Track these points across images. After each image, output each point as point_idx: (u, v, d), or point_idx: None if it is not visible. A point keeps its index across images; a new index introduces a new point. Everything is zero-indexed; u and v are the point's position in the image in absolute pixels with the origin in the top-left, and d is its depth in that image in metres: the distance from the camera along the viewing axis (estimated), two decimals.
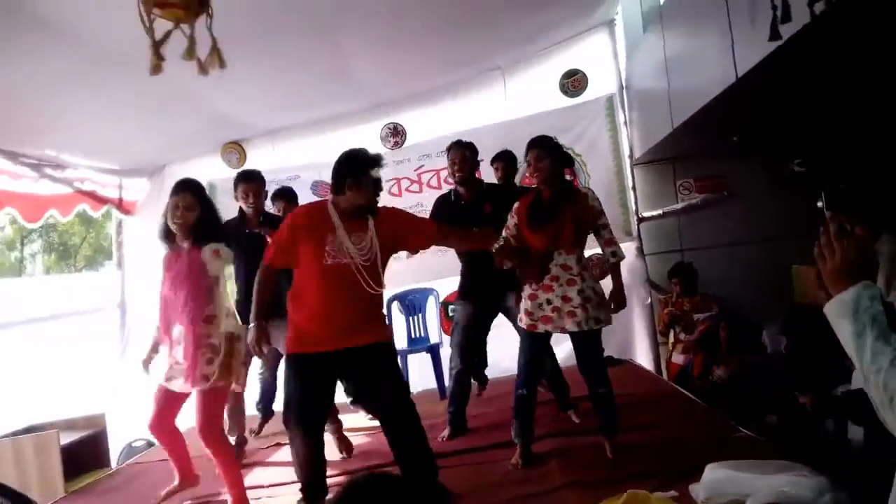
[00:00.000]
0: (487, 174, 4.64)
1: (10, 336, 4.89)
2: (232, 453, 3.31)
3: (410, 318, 5.34)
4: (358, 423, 4.51)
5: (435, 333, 5.38)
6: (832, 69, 3.21)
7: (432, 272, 5.02)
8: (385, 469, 3.22)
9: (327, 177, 5.48)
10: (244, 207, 4.13)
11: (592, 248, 5.37)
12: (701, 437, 3.26)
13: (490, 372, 4.67)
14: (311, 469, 3.03)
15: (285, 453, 4.15)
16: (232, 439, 4.04)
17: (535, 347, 3.37)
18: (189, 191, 3.15)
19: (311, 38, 4.14)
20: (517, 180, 4.77)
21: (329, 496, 3.17)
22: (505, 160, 4.40)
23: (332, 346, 2.88)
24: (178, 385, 3.16)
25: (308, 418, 2.95)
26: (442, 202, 4.19)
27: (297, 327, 2.96)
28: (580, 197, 3.36)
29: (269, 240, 3.52)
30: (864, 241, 1.34)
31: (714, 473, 2.49)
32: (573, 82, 5.71)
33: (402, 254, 5.42)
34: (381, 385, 3.01)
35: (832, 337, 1.32)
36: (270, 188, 5.83)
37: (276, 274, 3.02)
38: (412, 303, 5.36)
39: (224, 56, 2.51)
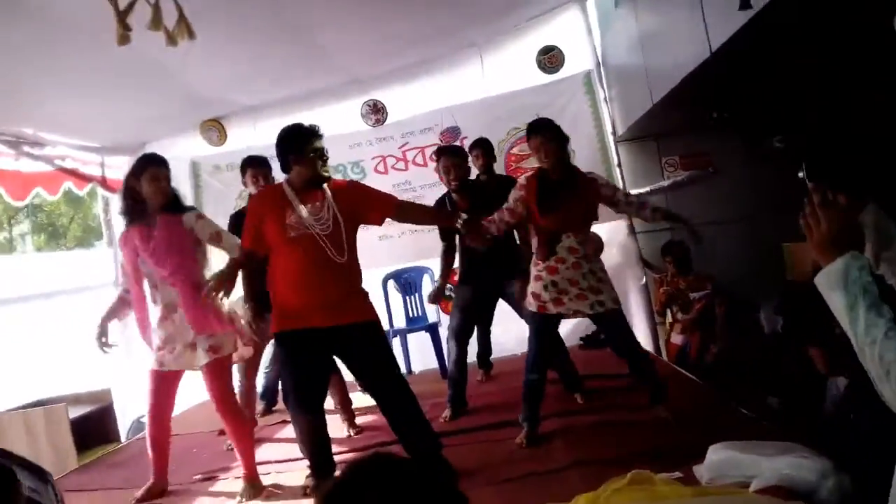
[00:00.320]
0: None
1: (5, 313, 4.82)
2: (247, 425, 3.27)
3: (407, 298, 5.24)
4: (366, 401, 4.49)
5: (432, 312, 5.28)
6: (807, 41, 3.17)
7: (427, 251, 4.96)
8: (391, 446, 3.20)
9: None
10: (253, 192, 4.00)
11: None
12: (702, 417, 3.22)
13: (493, 351, 4.65)
14: (315, 447, 3.02)
15: (291, 430, 4.18)
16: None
17: (544, 330, 3.31)
18: (163, 164, 3.16)
19: (286, 12, 3.97)
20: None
21: (337, 473, 3.18)
22: (483, 147, 4.24)
23: (319, 322, 2.83)
24: (177, 362, 3.10)
25: (305, 398, 2.95)
26: (437, 207, 4.08)
27: (278, 304, 2.93)
28: (588, 180, 3.29)
29: None
30: (848, 210, 1.31)
31: (718, 454, 2.45)
32: (550, 58, 5.57)
33: (397, 232, 5.46)
34: (373, 366, 2.98)
35: (828, 315, 1.28)
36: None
37: (253, 256, 2.99)
38: (408, 281, 5.25)
39: (196, 30, 2.46)
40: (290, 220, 2.85)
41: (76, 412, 4.41)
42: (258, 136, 5.84)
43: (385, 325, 5.03)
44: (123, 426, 5.16)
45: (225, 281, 2.85)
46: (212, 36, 2.77)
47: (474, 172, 4.20)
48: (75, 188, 5.40)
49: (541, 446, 3.20)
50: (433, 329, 4.96)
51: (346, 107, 5.75)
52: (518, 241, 3.83)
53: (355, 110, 5.77)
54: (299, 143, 2.91)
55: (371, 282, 4.91)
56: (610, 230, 5.30)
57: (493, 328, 4.47)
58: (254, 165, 3.99)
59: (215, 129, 5.90)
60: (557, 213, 3.18)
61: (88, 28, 3.22)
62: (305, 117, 5.36)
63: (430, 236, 5.02)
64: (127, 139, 5.67)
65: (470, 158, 4.10)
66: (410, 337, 5.07)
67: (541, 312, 3.25)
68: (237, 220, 3.92)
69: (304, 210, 2.86)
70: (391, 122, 5.78)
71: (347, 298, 2.90)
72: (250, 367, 3.98)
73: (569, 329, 4.97)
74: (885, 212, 1.39)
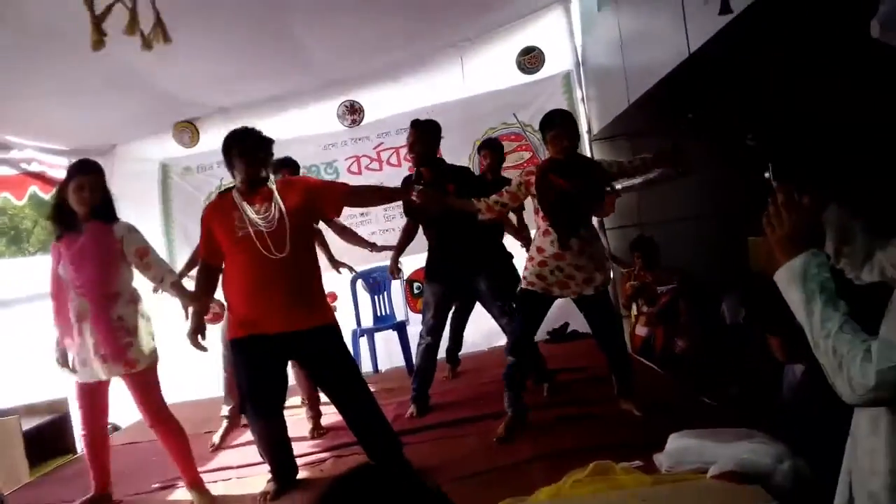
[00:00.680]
0: (449, 153, 4.60)
1: None
2: (182, 434, 3.17)
3: (375, 297, 5.28)
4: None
5: (400, 311, 5.32)
6: (783, 43, 3.24)
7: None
8: (353, 446, 3.24)
9: (281, 155, 5.39)
10: None
11: None
12: (663, 407, 3.29)
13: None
14: (274, 452, 3.05)
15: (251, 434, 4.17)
16: (227, 409, 4.04)
17: (540, 312, 3.42)
18: (94, 171, 3.09)
19: (260, 12, 3.98)
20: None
21: (299, 475, 3.17)
22: (491, 148, 4.30)
23: (270, 328, 2.86)
24: (91, 374, 3.05)
25: (262, 404, 2.98)
26: (405, 183, 4.14)
27: (232, 311, 2.99)
28: (594, 165, 3.45)
29: None
30: (811, 210, 1.36)
31: (677, 442, 2.51)
32: (530, 59, 5.65)
33: (366, 233, 5.43)
34: (329, 371, 3.01)
35: (788, 306, 1.33)
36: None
37: (209, 268, 3.05)
38: (376, 280, 5.28)
39: (168, 31, 2.43)
40: (238, 221, 2.90)
41: (30, 423, 4.31)
42: None
43: (353, 325, 5.07)
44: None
45: (199, 316, 2.94)
46: (187, 38, 2.76)
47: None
48: (41, 192, 5.28)
49: (502, 440, 3.23)
50: (401, 327, 5.02)
51: (322, 108, 5.78)
52: (509, 230, 3.91)
53: (332, 111, 5.80)
54: (229, 147, 2.98)
55: (340, 282, 5.01)
56: None
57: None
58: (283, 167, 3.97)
59: (188, 130, 5.87)
60: (570, 204, 3.23)
61: (59, 31, 3.21)
62: (280, 119, 5.50)
63: (398, 235, 5.07)
64: (96, 142, 5.61)
65: (478, 158, 4.21)
66: (378, 335, 5.11)
67: (546, 294, 3.33)
68: None
69: (249, 210, 2.90)
70: (367, 123, 5.84)
71: (299, 301, 2.91)
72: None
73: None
74: (848, 210, 1.44)
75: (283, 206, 2.91)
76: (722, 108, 4.69)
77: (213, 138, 5.87)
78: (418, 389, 3.97)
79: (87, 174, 3.05)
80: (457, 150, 5.43)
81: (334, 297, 4.86)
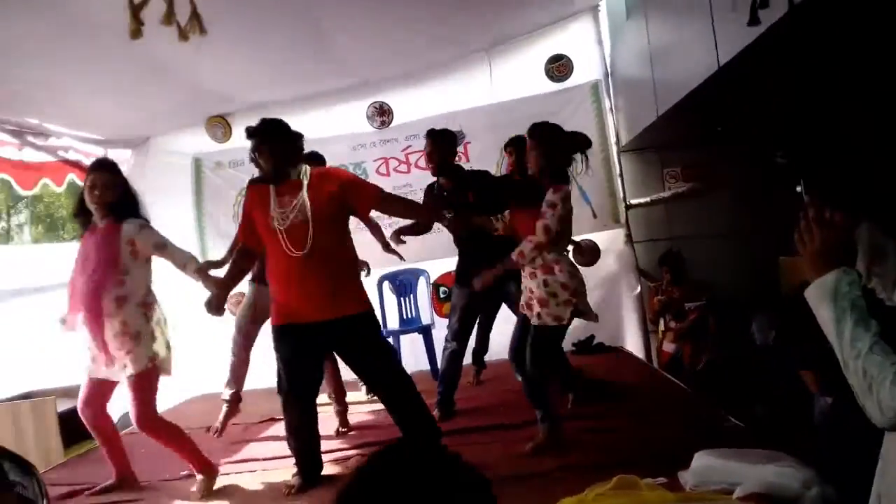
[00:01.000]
0: (476, 158, 4.59)
1: (1, 304, 4.84)
2: (174, 432, 3.19)
3: (402, 299, 5.29)
4: (360, 397, 4.55)
5: (426, 314, 5.32)
6: (814, 58, 3.20)
7: (423, 252, 4.99)
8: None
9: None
10: None
11: (584, 234, 5.46)
12: (690, 424, 3.25)
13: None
14: (301, 438, 3.11)
15: (280, 429, 4.14)
16: (228, 393, 4.02)
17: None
18: (106, 169, 3.10)
19: (295, 11, 4.03)
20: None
21: (324, 472, 3.20)
22: (516, 146, 4.23)
23: (308, 317, 2.92)
24: (101, 372, 3.09)
25: (298, 389, 3.06)
26: (427, 191, 4.14)
27: (273, 300, 3.07)
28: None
29: None
30: (843, 227, 1.34)
31: (703, 461, 2.48)
32: (558, 67, 5.63)
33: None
34: (366, 358, 3.07)
35: (820, 331, 1.30)
36: None
37: (245, 250, 3.14)
38: (403, 283, 5.29)
39: (204, 23, 2.49)
40: (271, 212, 2.95)
41: (65, 405, 4.39)
42: None
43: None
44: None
45: (220, 298, 3.01)
46: (222, 32, 2.82)
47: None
48: (78, 180, 5.41)
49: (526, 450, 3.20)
50: (426, 331, 5.01)
51: (352, 108, 5.81)
52: None
53: (361, 112, 5.83)
54: (252, 141, 3.04)
55: (367, 284, 4.99)
56: (607, 238, 5.38)
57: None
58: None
59: (221, 125, 5.94)
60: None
61: (98, 21, 3.27)
62: (311, 117, 5.55)
63: (426, 238, 5.05)
64: (131, 133, 5.72)
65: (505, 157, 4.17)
66: (403, 338, 5.12)
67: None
68: None
69: (275, 205, 2.95)
70: (396, 125, 5.85)
71: (333, 291, 2.95)
72: (245, 341, 4.01)
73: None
74: (881, 229, 1.41)
75: (309, 202, 2.93)
76: (752, 122, 4.64)
77: (245, 134, 5.97)
78: (443, 394, 3.97)
79: (100, 172, 3.07)
80: (484, 156, 5.45)
81: None
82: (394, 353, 3.23)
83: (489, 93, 5.64)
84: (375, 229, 4.40)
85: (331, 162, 4.53)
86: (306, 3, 3.97)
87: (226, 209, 5.86)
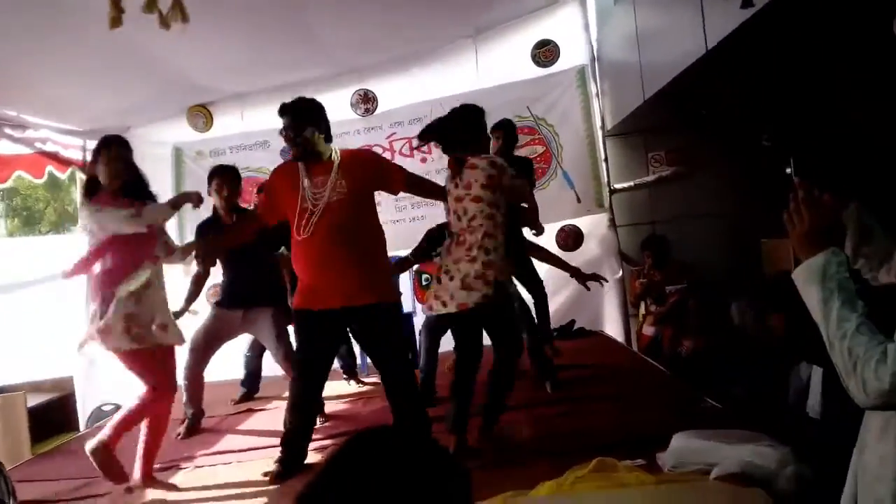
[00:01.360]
0: None
1: None
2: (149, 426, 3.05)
3: None
4: (339, 389, 4.54)
5: (408, 302, 5.26)
6: (803, 40, 3.21)
7: (404, 240, 4.96)
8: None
9: None
10: (217, 202, 3.98)
11: (566, 220, 5.45)
12: (668, 407, 3.26)
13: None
14: (298, 415, 3.09)
15: (257, 421, 4.15)
16: (189, 412, 3.89)
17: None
18: (120, 145, 2.99)
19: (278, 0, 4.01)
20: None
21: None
22: (505, 129, 4.22)
23: (332, 303, 2.90)
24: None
25: (310, 369, 3.07)
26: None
27: (299, 282, 3.04)
28: None
29: None
30: (832, 208, 1.33)
31: (680, 442, 2.49)
32: (545, 52, 5.61)
33: None
34: (381, 348, 3.06)
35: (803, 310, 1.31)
36: (238, 154, 5.71)
37: (261, 220, 3.15)
38: None
39: (186, 11, 2.43)
40: (302, 193, 2.92)
41: (35, 400, 4.34)
42: (245, 123, 5.88)
43: None
44: (84, 414, 5.11)
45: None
46: (203, 21, 2.76)
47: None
48: (57, 171, 5.32)
49: (505, 436, 3.20)
50: (408, 318, 4.96)
51: (336, 96, 5.73)
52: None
53: (345, 100, 5.77)
54: (281, 118, 3.01)
55: None
56: (590, 223, 5.41)
57: None
58: (220, 174, 3.99)
59: (202, 115, 5.88)
60: None
61: (77, 9, 3.18)
62: None
63: (406, 226, 4.99)
64: (111, 123, 5.60)
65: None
66: None
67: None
68: (202, 231, 3.94)
69: (308, 184, 2.91)
70: (380, 112, 5.83)
71: (359, 273, 2.91)
72: (195, 364, 3.87)
73: None
74: (868, 209, 1.42)
75: (343, 181, 2.90)
76: (738, 105, 4.66)
77: (226, 123, 5.91)
78: (424, 381, 3.94)
79: (114, 147, 2.96)
80: None
81: None
82: (404, 346, 3.22)
83: (475, 79, 5.61)
84: None
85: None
86: None
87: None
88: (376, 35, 5.07)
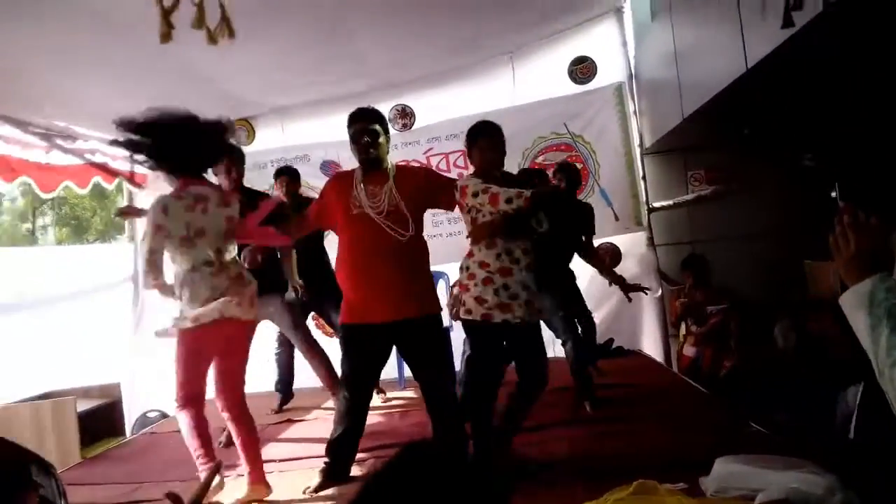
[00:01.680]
0: None
1: (25, 306, 4.92)
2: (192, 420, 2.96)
3: None
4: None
5: (445, 317, 5.29)
6: (846, 59, 3.16)
7: (442, 255, 4.98)
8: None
9: (336, 156, 5.46)
10: (225, 183, 4.01)
11: (605, 237, 5.39)
12: (710, 430, 3.23)
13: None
14: (344, 428, 3.11)
15: (297, 430, 4.23)
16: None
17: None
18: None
19: (318, 16, 4.07)
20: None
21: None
22: (565, 172, 4.15)
23: (379, 318, 2.93)
24: None
25: (357, 383, 3.09)
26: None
27: (346, 296, 3.06)
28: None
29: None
30: (879, 232, 1.30)
31: (724, 467, 2.46)
32: (582, 69, 5.62)
33: None
34: (424, 362, 3.07)
35: (848, 333, 1.29)
36: (280, 167, 5.81)
37: (305, 223, 3.29)
38: None
39: (233, 27, 2.51)
40: (353, 200, 2.97)
41: (85, 405, 4.46)
42: (286, 137, 5.98)
43: None
44: (130, 421, 5.25)
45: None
46: (248, 36, 2.82)
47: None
48: (104, 182, 5.48)
49: (546, 454, 3.19)
50: (445, 333, 4.93)
51: None
52: None
53: (383, 114, 5.79)
54: (349, 124, 3.06)
55: None
56: (628, 241, 5.36)
57: None
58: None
59: (244, 128, 6.01)
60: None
61: (126, 24, 3.30)
62: (334, 120, 5.56)
63: (446, 241, 5.00)
64: None
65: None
66: None
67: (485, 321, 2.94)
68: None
69: (362, 191, 2.96)
70: (418, 128, 5.89)
71: (408, 287, 2.94)
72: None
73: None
74: None
75: (396, 192, 2.96)
76: (779, 125, 4.59)
77: (268, 137, 6.02)
78: (462, 397, 3.95)
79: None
80: (506, 159, 5.42)
81: None
82: (447, 360, 3.24)
83: (512, 95, 5.64)
84: None
85: (351, 165, 4.54)
86: (331, 6, 3.98)
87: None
88: (414, 51, 5.13)
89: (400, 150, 5.87)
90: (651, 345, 5.48)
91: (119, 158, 5.60)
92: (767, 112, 4.35)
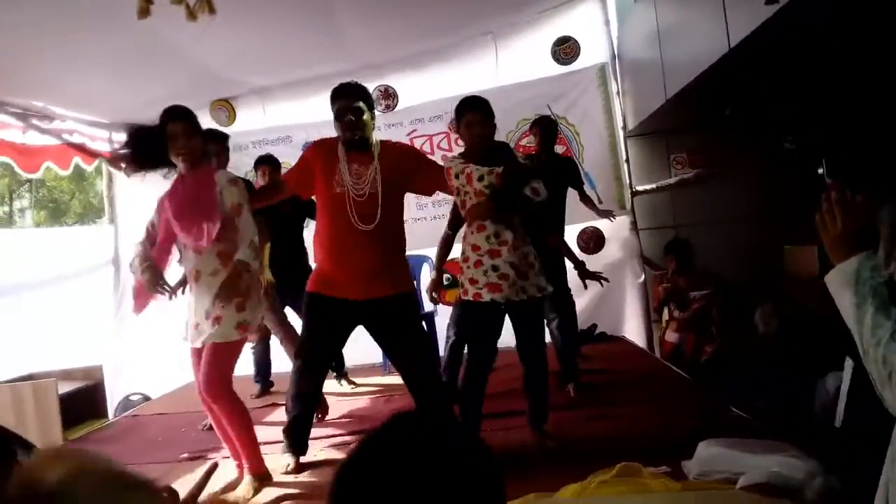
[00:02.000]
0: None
1: (5, 288, 4.85)
2: (238, 414, 2.88)
3: None
4: (337, 388, 4.61)
5: (427, 301, 5.29)
6: (827, 37, 3.15)
7: (425, 240, 4.96)
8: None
9: (318, 137, 5.39)
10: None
11: (588, 221, 5.38)
12: (693, 414, 3.24)
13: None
14: (300, 403, 3.09)
15: (281, 414, 4.16)
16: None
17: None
18: (183, 118, 2.79)
19: None
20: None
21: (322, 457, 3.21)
22: (541, 126, 4.19)
23: (352, 295, 2.86)
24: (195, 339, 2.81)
25: (314, 356, 3.03)
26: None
27: (318, 266, 3.01)
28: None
29: None
30: (866, 210, 1.29)
31: (706, 450, 2.47)
32: (565, 49, 5.56)
33: None
34: (397, 339, 3.01)
35: (827, 317, 1.29)
36: (260, 148, 5.75)
37: (282, 189, 3.15)
38: None
39: (214, 3, 2.45)
40: (338, 175, 2.88)
41: (66, 388, 4.41)
42: (267, 118, 5.90)
43: None
44: (112, 403, 5.23)
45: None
46: (228, 15, 2.75)
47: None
48: (83, 163, 5.39)
49: (530, 439, 3.19)
50: (429, 318, 4.92)
51: None
52: None
53: None
54: (333, 100, 2.94)
55: None
56: (612, 225, 5.30)
57: None
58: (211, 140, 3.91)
59: (225, 109, 5.91)
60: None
61: (106, 5, 3.20)
62: (315, 101, 5.49)
63: (429, 224, 4.94)
64: (136, 116, 5.62)
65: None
66: None
67: (476, 300, 2.93)
68: None
69: (347, 170, 2.87)
70: (401, 109, 5.81)
71: (382, 267, 2.88)
72: None
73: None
74: None
75: (379, 174, 2.86)
76: (763, 106, 4.59)
77: (248, 118, 5.94)
78: (448, 381, 3.94)
79: (177, 121, 2.75)
80: None
81: None
82: (423, 334, 3.13)
83: (495, 76, 5.57)
84: None
85: None
86: None
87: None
88: (397, 31, 5.04)
89: (383, 132, 5.75)
90: (634, 330, 5.48)
91: (98, 139, 5.52)
92: (750, 94, 4.35)
